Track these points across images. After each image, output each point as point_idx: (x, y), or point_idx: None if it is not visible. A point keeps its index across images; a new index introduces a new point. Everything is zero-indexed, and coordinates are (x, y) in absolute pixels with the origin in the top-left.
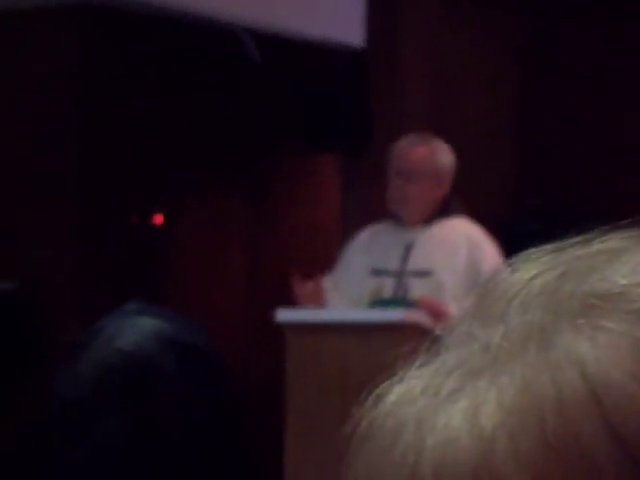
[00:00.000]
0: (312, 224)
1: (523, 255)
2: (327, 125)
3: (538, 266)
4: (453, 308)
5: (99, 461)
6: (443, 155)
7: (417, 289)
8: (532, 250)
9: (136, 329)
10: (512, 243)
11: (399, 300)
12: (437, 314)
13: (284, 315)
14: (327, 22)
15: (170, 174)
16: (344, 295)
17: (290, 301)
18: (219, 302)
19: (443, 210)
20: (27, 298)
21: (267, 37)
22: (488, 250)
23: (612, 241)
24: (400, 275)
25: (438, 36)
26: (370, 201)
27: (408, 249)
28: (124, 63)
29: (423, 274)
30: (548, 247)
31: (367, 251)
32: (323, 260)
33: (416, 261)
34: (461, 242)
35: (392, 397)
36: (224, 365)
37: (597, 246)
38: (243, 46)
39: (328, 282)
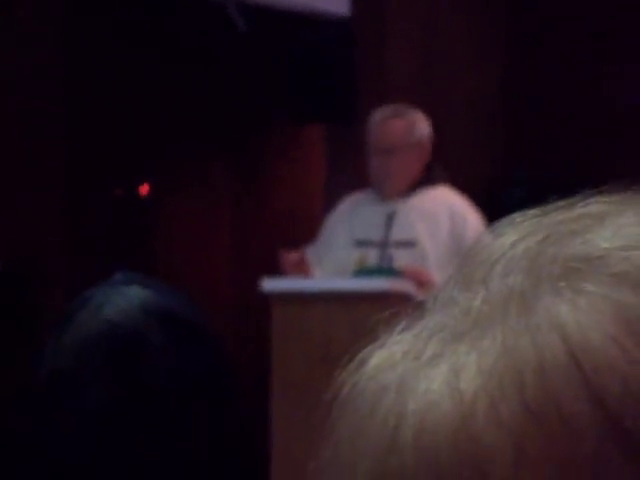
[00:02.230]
0: (299, 194)
1: (506, 220)
2: (313, 95)
3: (521, 231)
4: (438, 277)
5: (86, 431)
6: (421, 126)
7: (401, 259)
8: (515, 215)
9: (124, 299)
10: (499, 211)
11: (384, 269)
12: (423, 283)
13: (270, 284)
14: None
15: (155, 146)
16: (327, 267)
17: (277, 271)
18: (206, 272)
19: (425, 180)
20: (14, 271)
21: (253, 7)
22: (471, 220)
23: (595, 205)
24: (384, 246)
25: (424, 5)
26: (356, 171)
27: (390, 219)
28: (110, 35)
29: (407, 244)
30: (531, 212)
31: (349, 222)
32: (310, 230)
33: (399, 231)
34: (443, 212)
35: (373, 362)
36: (213, 335)
37: (580, 210)
38: (229, 16)
39: (310, 253)
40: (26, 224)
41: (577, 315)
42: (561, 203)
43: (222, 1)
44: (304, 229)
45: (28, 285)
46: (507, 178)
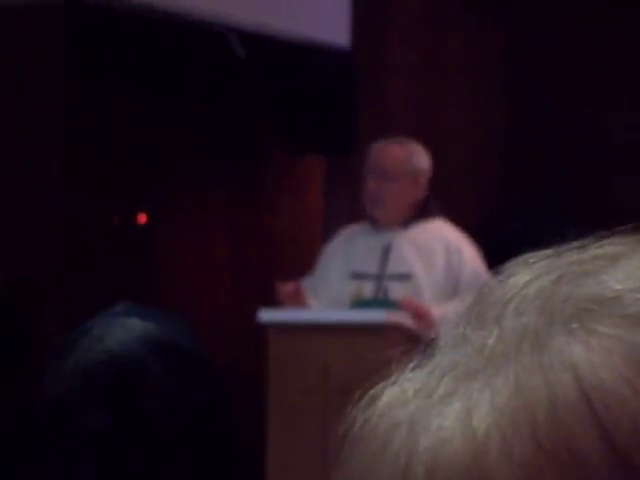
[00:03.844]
0: (296, 224)
1: (520, 259)
2: (311, 125)
3: (534, 270)
4: (435, 310)
5: (84, 460)
6: (420, 157)
7: (396, 292)
8: (529, 254)
9: (124, 330)
10: (495, 244)
11: (380, 301)
12: (419, 315)
13: (267, 315)
14: (313, 22)
15: (154, 174)
16: (323, 299)
17: (274, 301)
18: (203, 302)
19: (420, 212)
20: (11, 299)
21: (253, 36)
22: (467, 253)
23: (608, 246)
24: (379, 278)
25: (424, 37)
26: (353, 202)
27: (386, 252)
28: (109, 62)
29: (402, 277)
30: (545, 252)
31: (345, 254)
32: (307, 260)
33: (395, 264)
34: (439, 246)
35: (386, 398)
36: (211, 365)
37: (593, 251)
38: (229, 45)
39: (307, 285)
40: (24, 250)
41: (590, 355)
42: (574, 244)
43: (222, 30)
44: (302, 259)
45: (26, 312)
46: (503, 211)
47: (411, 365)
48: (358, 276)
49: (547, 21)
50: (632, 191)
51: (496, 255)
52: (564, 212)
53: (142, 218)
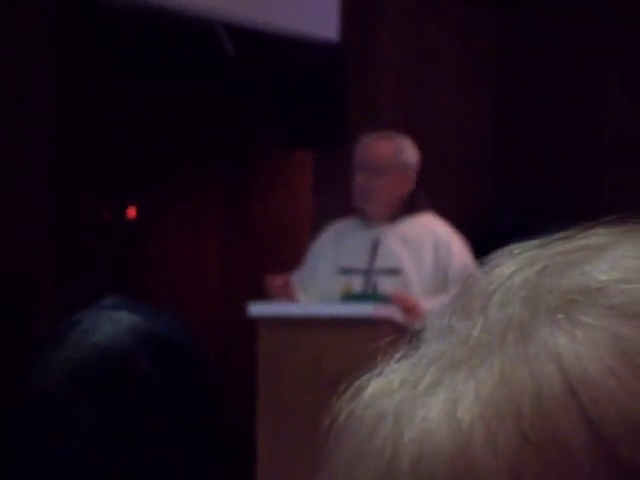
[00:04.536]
0: (286, 219)
1: (505, 250)
2: (301, 120)
3: (519, 261)
4: (424, 303)
5: (72, 454)
6: (408, 151)
7: (386, 287)
8: (514, 245)
9: (113, 324)
10: (488, 238)
11: (370, 295)
12: (409, 309)
13: (257, 309)
14: (302, 16)
15: (144, 170)
16: (312, 294)
17: (264, 295)
18: (193, 296)
19: (408, 207)
20: (1, 294)
21: (241, 30)
22: (456, 248)
23: (593, 237)
24: (368, 273)
25: (414, 30)
26: (344, 197)
27: (375, 247)
28: (97, 57)
29: (391, 272)
30: (530, 243)
31: (334, 249)
32: (297, 255)
33: (384, 259)
34: (428, 240)
35: (371, 390)
36: (201, 360)
37: (578, 242)
38: (217, 39)
39: (295, 279)
40: (14, 247)
41: (575, 346)
42: (560, 234)
43: (210, 24)
44: (292, 253)
45: (17, 311)
46: (493, 205)
47: (397, 356)
48: (347, 271)
49: (539, 15)
50: (626, 187)
51: (486, 250)
52: (556, 207)
53: (132, 213)
